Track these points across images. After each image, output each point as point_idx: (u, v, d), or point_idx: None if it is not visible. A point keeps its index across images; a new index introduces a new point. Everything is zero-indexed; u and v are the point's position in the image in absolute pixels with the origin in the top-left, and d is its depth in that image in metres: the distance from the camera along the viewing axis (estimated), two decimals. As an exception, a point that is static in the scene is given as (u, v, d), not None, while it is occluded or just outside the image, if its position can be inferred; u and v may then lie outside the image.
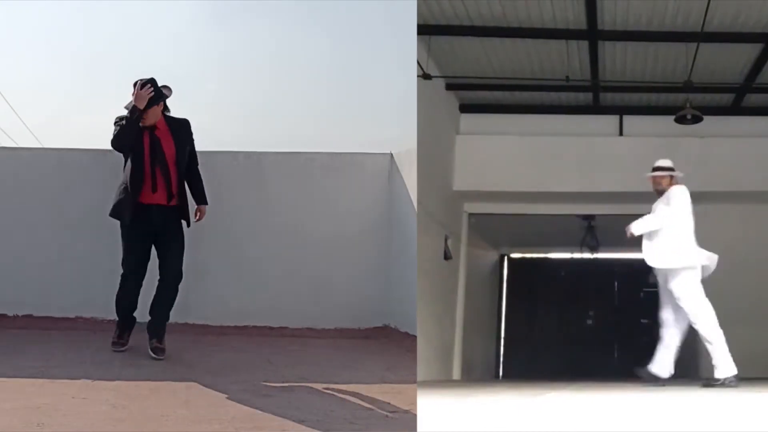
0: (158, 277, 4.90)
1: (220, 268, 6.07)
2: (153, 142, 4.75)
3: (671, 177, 5.45)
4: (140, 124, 4.72)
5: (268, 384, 4.15)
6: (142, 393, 3.88)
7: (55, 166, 6.14)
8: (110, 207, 4.85)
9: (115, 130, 4.73)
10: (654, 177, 5.49)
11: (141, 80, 4.76)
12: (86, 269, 5.99)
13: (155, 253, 4.93)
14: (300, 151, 6.28)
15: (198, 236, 5.86)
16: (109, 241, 5.97)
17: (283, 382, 4.21)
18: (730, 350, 8.38)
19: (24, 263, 5.97)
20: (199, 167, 5.15)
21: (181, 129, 4.90)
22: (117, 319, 5.06)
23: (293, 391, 4.03)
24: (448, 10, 6.65)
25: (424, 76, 6.89)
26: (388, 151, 6.38)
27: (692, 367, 9.07)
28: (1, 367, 4.30)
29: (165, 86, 4.84)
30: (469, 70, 7.70)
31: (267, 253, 6.12)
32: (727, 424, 2.63)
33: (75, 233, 6.02)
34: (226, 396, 3.88)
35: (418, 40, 6.83)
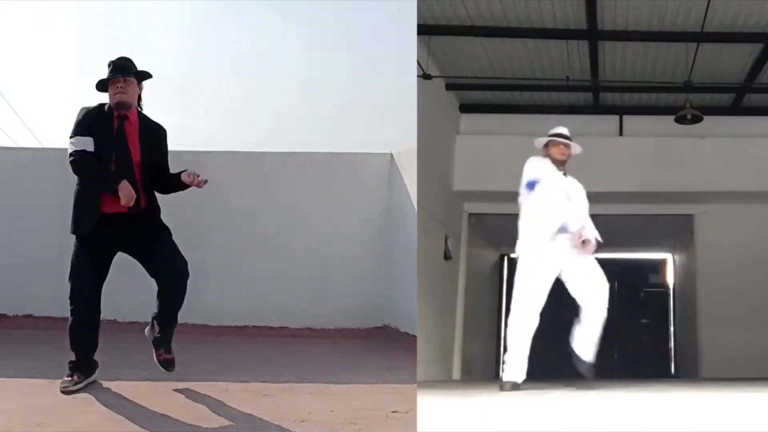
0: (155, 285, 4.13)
1: (220, 268, 6.07)
2: (120, 137, 4.00)
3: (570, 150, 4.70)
4: (112, 105, 4.03)
5: (268, 384, 4.15)
6: (142, 393, 3.88)
7: (55, 166, 6.14)
8: (70, 221, 4.04)
9: (77, 157, 3.93)
10: (560, 144, 4.68)
11: (113, 62, 4.06)
12: (86, 269, 5.99)
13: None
14: (300, 151, 6.29)
15: (198, 236, 5.87)
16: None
17: (283, 382, 4.21)
18: (731, 350, 8.40)
19: (24, 263, 5.98)
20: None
21: (154, 132, 4.15)
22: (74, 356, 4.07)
23: (293, 391, 4.03)
24: (448, 10, 6.65)
25: (424, 76, 6.88)
26: (388, 151, 6.39)
27: (693, 366, 9.09)
28: (1, 367, 4.30)
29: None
30: (469, 70, 7.70)
31: (267, 253, 6.13)
32: (727, 424, 2.63)
33: (75, 233, 6.02)
34: (226, 396, 3.88)
35: (418, 40, 6.83)
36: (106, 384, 4.03)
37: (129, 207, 3.91)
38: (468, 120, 8.90)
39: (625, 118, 8.91)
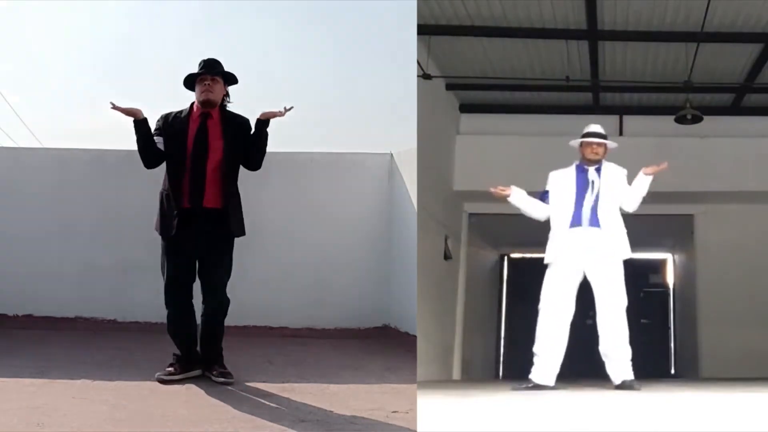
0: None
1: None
2: (201, 134, 4.14)
3: (606, 147, 4.68)
4: (198, 103, 4.19)
5: (268, 384, 4.15)
6: (142, 393, 3.87)
7: (55, 166, 6.14)
8: (155, 220, 4.23)
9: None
10: (592, 144, 4.64)
11: (203, 60, 4.23)
12: (86, 269, 5.99)
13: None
14: (300, 151, 6.28)
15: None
16: (109, 241, 6.00)
17: (283, 382, 4.21)
18: (731, 350, 8.40)
19: (24, 263, 5.97)
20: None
21: (237, 128, 4.25)
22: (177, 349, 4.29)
23: (293, 391, 4.03)
24: (448, 10, 6.65)
25: (424, 76, 6.88)
26: (388, 151, 6.38)
27: (693, 366, 9.09)
28: (1, 367, 4.30)
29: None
30: (469, 70, 7.70)
31: (267, 252, 6.11)
32: (727, 424, 2.63)
33: (75, 233, 6.02)
34: (226, 396, 3.88)
35: (418, 40, 6.83)
36: (106, 384, 4.03)
37: (197, 204, 4.10)
38: (468, 120, 8.90)
39: (625, 118, 8.91)
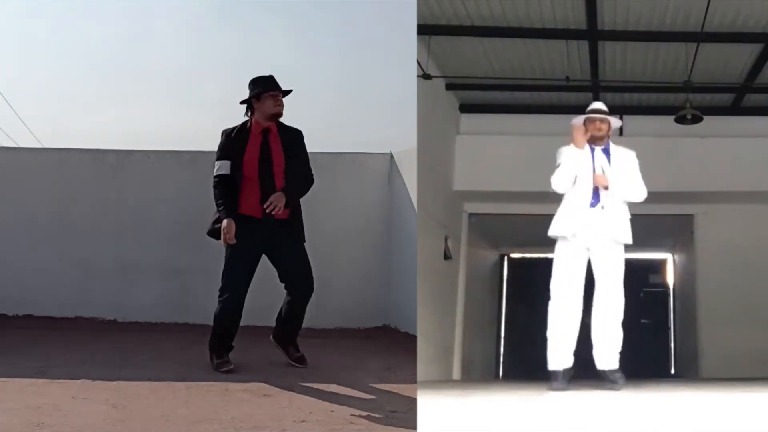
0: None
1: (220, 267, 6.06)
2: (265, 149, 4.50)
3: (609, 124, 4.63)
4: (268, 116, 4.51)
5: (268, 384, 4.15)
6: (142, 393, 3.88)
7: (55, 166, 6.15)
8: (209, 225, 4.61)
9: (214, 182, 4.54)
10: (595, 120, 4.61)
11: (267, 78, 4.57)
12: (86, 269, 6.00)
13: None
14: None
15: (199, 235, 5.86)
16: (109, 241, 6.00)
17: (283, 382, 4.21)
18: (731, 350, 8.41)
19: (24, 263, 5.98)
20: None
21: (293, 140, 4.60)
22: (214, 341, 4.61)
23: (293, 391, 4.04)
24: (448, 10, 6.65)
25: (424, 76, 6.88)
26: (388, 151, 6.39)
27: (693, 366, 9.09)
28: (1, 367, 4.30)
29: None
30: (469, 70, 7.69)
31: (267, 253, 6.12)
32: (727, 424, 2.63)
33: (75, 233, 6.03)
34: (226, 396, 3.88)
35: (418, 40, 6.83)
36: (106, 384, 4.03)
37: (266, 213, 4.39)
38: (468, 120, 8.89)
39: (625, 118, 8.88)
